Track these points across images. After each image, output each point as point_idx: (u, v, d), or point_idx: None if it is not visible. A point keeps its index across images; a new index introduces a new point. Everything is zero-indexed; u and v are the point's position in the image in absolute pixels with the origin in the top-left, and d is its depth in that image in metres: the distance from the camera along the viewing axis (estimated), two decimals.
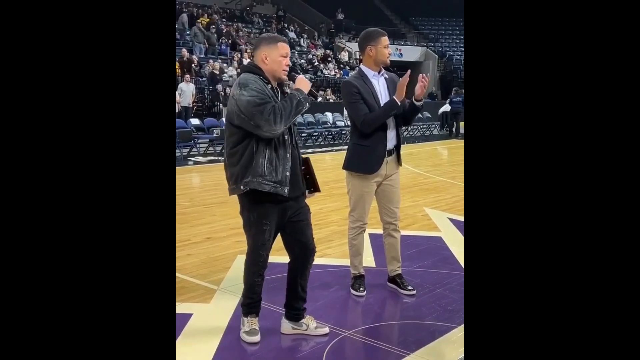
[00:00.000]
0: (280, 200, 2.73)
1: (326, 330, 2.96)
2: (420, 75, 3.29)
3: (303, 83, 2.76)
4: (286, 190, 2.71)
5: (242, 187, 2.68)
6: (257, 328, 2.86)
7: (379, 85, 3.43)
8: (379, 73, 3.44)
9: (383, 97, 3.40)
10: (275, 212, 2.75)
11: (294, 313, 2.94)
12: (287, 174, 2.71)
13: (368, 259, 4.11)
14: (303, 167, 2.91)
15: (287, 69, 2.77)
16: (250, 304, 2.87)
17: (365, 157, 3.37)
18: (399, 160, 3.51)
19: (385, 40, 3.39)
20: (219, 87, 14.85)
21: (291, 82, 2.87)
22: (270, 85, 2.70)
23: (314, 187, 2.95)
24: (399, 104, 3.30)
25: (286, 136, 2.75)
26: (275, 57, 2.71)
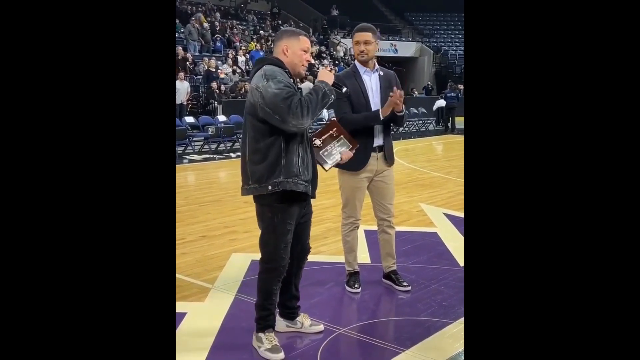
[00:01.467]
0: (303, 200, 2.67)
1: (321, 327, 2.95)
2: (391, 93, 3.21)
3: (326, 75, 2.65)
4: (311, 189, 2.66)
5: (270, 188, 2.52)
6: (278, 344, 2.68)
7: (371, 82, 3.38)
8: (372, 69, 3.40)
9: (374, 94, 3.36)
10: (297, 213, 2.67)
11: (288, 311, 2.93)
12: (312, 171, 2.67)
13: (363, 256, 4.10)
14: (335, 129, 2.89)
15: (307, 64, 2.66)
16: (267, 317, 2.71)
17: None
18: (387, 159, 3.43)
19: (358, 35, 3.33)
20: (214, 84, 14.82)
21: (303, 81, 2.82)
22: (292, 80, 2.60)
23: (352, 143, 2.93)
24: (382, 118, 3.27)
25: (309, 133, 2.70)
26: (296, 49, 2.62)
